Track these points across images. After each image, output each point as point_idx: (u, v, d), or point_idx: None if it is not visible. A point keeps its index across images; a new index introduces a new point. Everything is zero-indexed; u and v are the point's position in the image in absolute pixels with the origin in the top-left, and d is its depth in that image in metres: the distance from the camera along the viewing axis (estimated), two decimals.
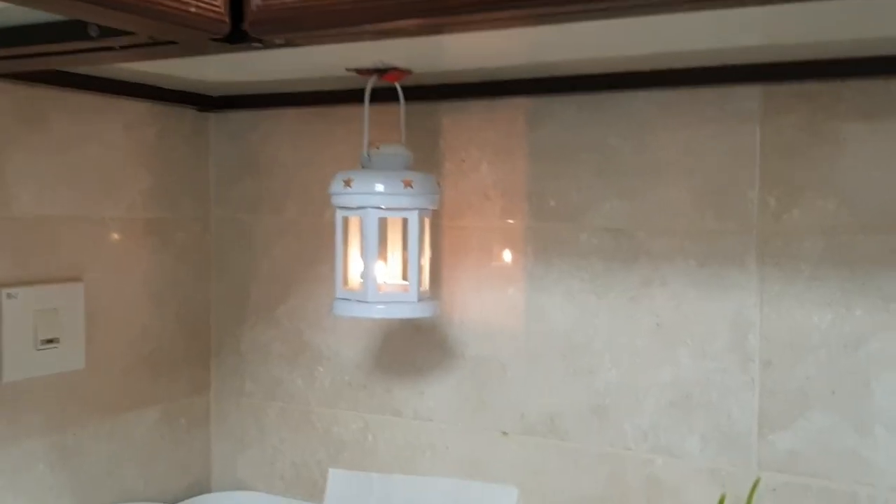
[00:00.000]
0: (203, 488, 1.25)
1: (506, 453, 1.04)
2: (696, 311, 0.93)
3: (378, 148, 0.90)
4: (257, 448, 1.22)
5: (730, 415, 0.91)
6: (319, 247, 1.16)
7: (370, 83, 0.90)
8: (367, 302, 0.88)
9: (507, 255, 1.03)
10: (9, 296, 0.96)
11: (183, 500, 1.19)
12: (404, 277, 0.95)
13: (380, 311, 0.89)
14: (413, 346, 1.10)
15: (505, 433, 1.04)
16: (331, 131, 1.15)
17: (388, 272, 0.92)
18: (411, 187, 0.87)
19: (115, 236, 1.11)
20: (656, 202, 0.94)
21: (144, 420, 1.15)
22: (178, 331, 1.20)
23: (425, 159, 1.04)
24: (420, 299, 0.90)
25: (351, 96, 1.08)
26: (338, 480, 1.15)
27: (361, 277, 0.89)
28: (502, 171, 1.03)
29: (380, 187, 0.87)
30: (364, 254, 0.88)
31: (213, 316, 1.25)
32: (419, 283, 0.90)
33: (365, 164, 0.91)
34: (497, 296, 1.04)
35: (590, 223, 0.98)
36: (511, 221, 1.03)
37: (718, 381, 0.92)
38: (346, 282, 0.92)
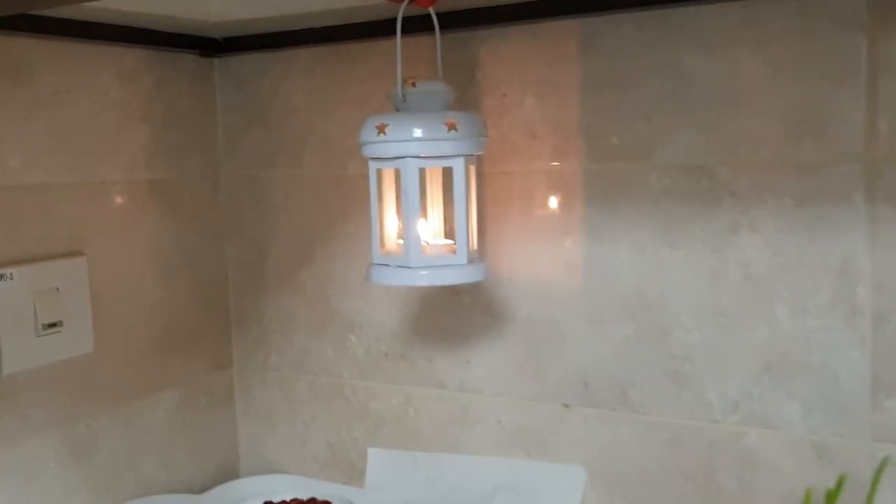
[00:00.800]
0: (231, 474, 1.14)
1: (568, 428, 0.92)
2: (794, 260, 0.79)
3: (414, 85, 0.76)
4: (287, 427, 1.11)
5: (837, 378, 0.78)
6: (344, 202, 1.03)
7: (402, 7, 0.75)
8: (409, 267, 0.75)
9: (562, 203, 0.90)
10: (2, 277, 0.84)
11: (210, 488, 1.09)
12: (447, 236, 0.81)
13: (425, 278, 0.75)
14: (456, 310, 0.97)
15: (567, 405, 0.92)
16: (350, 72, 1.01)
17: (430, 231, 0.79)
18: (456, 130, 0.73)
19: (118, 201, 0.98)
20: (741, 132, 0.80)
21: (163, 404, 1.04)
22: (192, 303, 1.08)
23: (460, 96, 0.90)
24: (469, 261, 0.77)
25: (370, 30, 0.94)
26: (378, 461, 1.04)
27: (400, 239, 0.76)
28: (551, 105, 0.89)
29: (419, 132, 0.73)
30: (403, 211, 0.75)
31: (231, 284, 1.13)
32: (468, 242, 0.76)
33: (399, 106, 0.77)
34: (552, 250, 0.91)
35: (661, 161, 0.84)
36: (564, 163, 0.89)
37: (822, 340, 0.78)
38: (382, 245, 0.79)
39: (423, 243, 0.76)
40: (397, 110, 0.77)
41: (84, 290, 0.92)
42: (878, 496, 0.75)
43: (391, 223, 0.79)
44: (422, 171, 0.77)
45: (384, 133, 0.74)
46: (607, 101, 0.86)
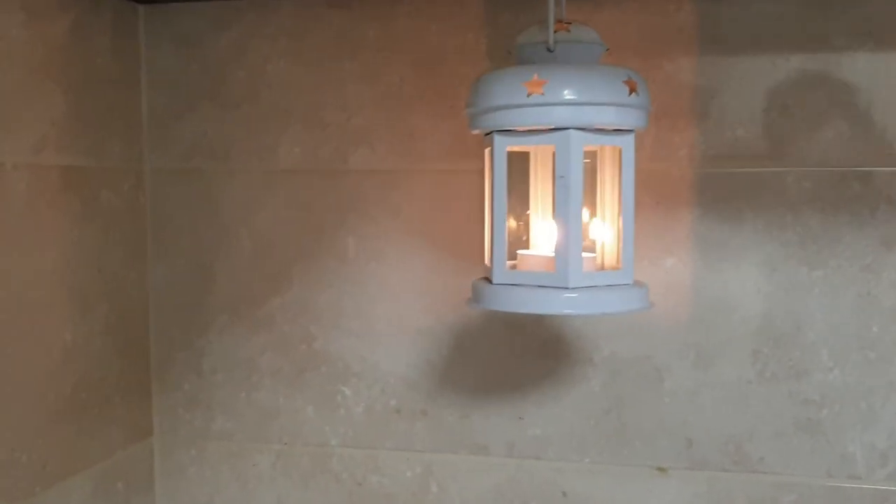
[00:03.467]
0: None
1: (665, 497, 0.73)
2: None
3: (569, 30, 0.54)
4: None
5: None
6: (339, 207, 0.77)
7: None
8: (564, 288, 0.52)
9: (665, 211, 0.71)
10: None
11: None
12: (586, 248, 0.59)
13: (587, 305, 0.53)
14: (505, 350, 0.75)
15: (662, 469, 0.73)
16: (358, 33, 0.76)
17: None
18: (637, 94, 0.52)
19: (16, 192, 0.65)
20: None
21: (73, 496, 0.70)
22: (110, 347, 0.75)
23: None
24: (635, 282, 0.56)
25: None
26: None
27: (555, 252, 0.53)
28: (655, 82, 0.70)
29: (595, 94, 0.51)
30: (562, 211, 0.52)
31: (153, 318, 0.81)
32: (632, 254, 0.55)
33: (531, 57, 0.55)
34: (648, 269, 0.71)
35: (799, 160, 0.68)
36: (670, 161, 0.71)
37: None
38: (510, 256, 0.55)
39: (583, 255, 0.53)
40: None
41: None
42: None
43: (539, 227, 0.56)
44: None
45: (540, 93, 0.51)
46: (726, 80, 0.69)
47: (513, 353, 0.75)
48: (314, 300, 0.78)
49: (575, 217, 0.52)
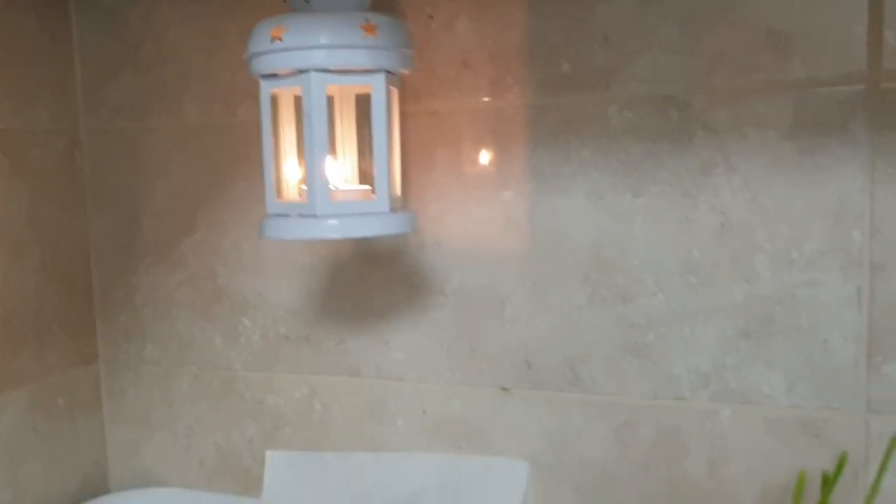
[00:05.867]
0: (99, 488, 0.94)
1: (509, 416, 0.77)
2: (779, 203, 0.67)
3: None
4: (167, 431, 0.92)
5: (827, 342, 0.66)
6: (233, 157, 0.86)
7: None
8: (314, 217, 0.59)
9: (500, 147, 0.75)
10: None
11: None
12: (362, 181, 0.66)
13: (336, 229, 0.59)
14: (371, 283, 0.81)
15: (506, 389, 0.77)
16: None
17: (341, 176, 0.62)
18: (375, 35, 0.58)
19: None
20: (719, 52, 0.67)
21: (8, 409, 0.83)
22: (47, 285, 0.88)
23: None
24: (393, 209, 0.61)
25: None
26: (278, 465, 0.87)
27: (305, 184, 0.60)
28: (487, 28, 0.74)
29: (327, 37, 0.57)
30: (307, 145, 0.58)
31: (95, 262, 0.93)
32: (390, 185, 0.60)
33: (296, 7, 0.61)
34: (488, 204, 0.76)
35: (622, 91, 0.71)
36: (503, 98, 0.74)
37: (810, 298, 0.67)
38: (279, 192, 0.62)
39: (332, 187, 0.59)
40: (295, 11, 0.60)
41: None
42: (870, 469, 0.64)
43: (291, 165, 0.62)
44: (331, 98, 0.60)
45: (280, 39, 0.57)
46: (556, 20, 0.72)
47: (377, 285, 0.81)
48: (218, 241, 0.88)
49: (320, 152, 0.58)
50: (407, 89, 0.76)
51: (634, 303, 0.72)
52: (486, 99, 0.75)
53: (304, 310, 0.85)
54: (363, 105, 0.62)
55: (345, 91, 0.64)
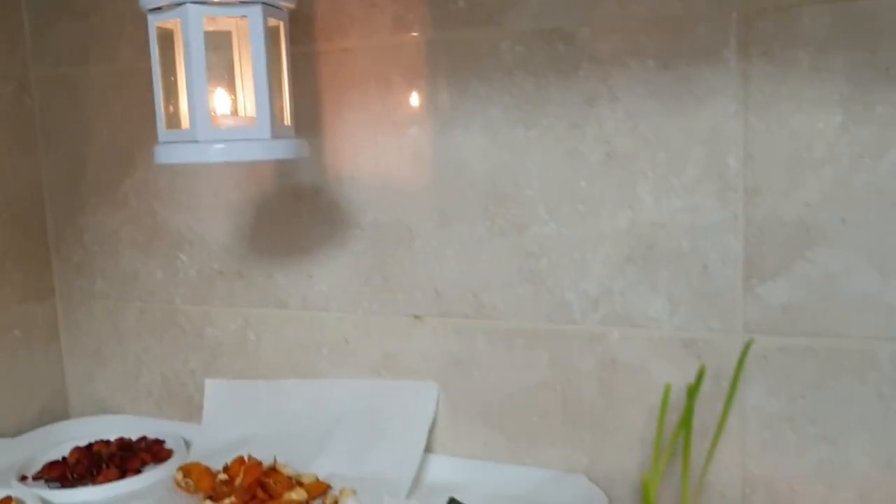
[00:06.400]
0: (58, 416, 1.00)
1: (420, 341, 0.81)
2: (659, 132, 0.69)
3: None
4: (118, 361, 0.97)
5: (706, 265, 0.69)
6: None
7: None
8: (197, 142, 0.62)
9: (405, 83, 0.78)
10: None
11: (32, 430, 0.94)
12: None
13: (219, 153, 0.63)
14: (295, 218, 0.85)
15: (417, 317, 0.81)
16: None
17: (234, 104, 0.66)
18: None
19: None
20: None
21: None
22: (2, 225, 0.93)
23: None
24: (276, 135, 0.64)
25: None
26: (216, 393, 0.92)
27: (188, 111, 0.63)
28: None
29: None
30: (186, 74, 0.62)
31: (47, 202, 0.98)
32: (271, 110, 0.64)
33: None
34: (396, 140, 0.79)
35: (513, 26, 0.73)
36: (406, 35, 0.77)
37: (690, 223, 0.69)
38: (170, 121, 0.65)
39: (218, 113, 0.63)
40: None
41: None
42: (746, 387, 0.66)
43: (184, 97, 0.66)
44: (229, 33, 0.63)
45: None
46: None
47: (301, 221, 0.85)
48: (154, 181, 0.92)
49: (199, 81, 0.61)
50: (318, 28, 0.79)
51: (529, 231, 0.75)
52: (395, 35, 0.77)
53: (235, 246, 0.89)
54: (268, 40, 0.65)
55: (242, 26, 0.67)
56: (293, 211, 0.85)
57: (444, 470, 0.79)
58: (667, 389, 0.63)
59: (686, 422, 0.61)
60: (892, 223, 0.62)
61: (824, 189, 0.64)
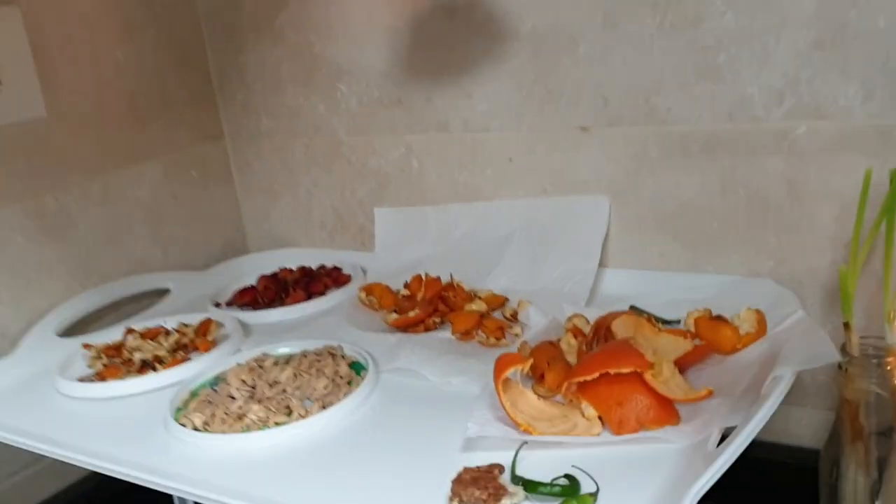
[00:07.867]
0: (239, 251, 1.06)
1: (588, 154, 0.79)
2: None
3: None
4: (290, 197, 1.02)
5: None
6: None
7: None
8: None
9: None
10: None
11: (215, 265, 1.01)
12: None
13: None
14: (450, 35, 0.83)
15: (584, 128, 0.79)
16: None
17: None
18: None
19: None
20: None
21: (145, 178, 0.95)
22: (164, 63, 0.96)
23: None
24: None
25: None
26: (386, 221, 0.94)
27: None
28: None
29: None
30: None
31: (208, 42, 1.00)
32: None
33: None
34: None
35: None
36: None
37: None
38: None
39: None
40: None
41: (23, 45, 0.81)
42: None
43: None
44: None
45: None
46: None
47: (457, 38, 0.83)
48: (308, 12, 0.92)
49: None
50: None
51: (704, 24, 0.70)
52: None
53: (392, 71, 0.88)
54: None
55: None
56: (448, 28, 0.83)
57: (620, 281, 0.78)
58: (868, 173, 0.59)
59: (890, 207, 0.57)
60: None
61: None
